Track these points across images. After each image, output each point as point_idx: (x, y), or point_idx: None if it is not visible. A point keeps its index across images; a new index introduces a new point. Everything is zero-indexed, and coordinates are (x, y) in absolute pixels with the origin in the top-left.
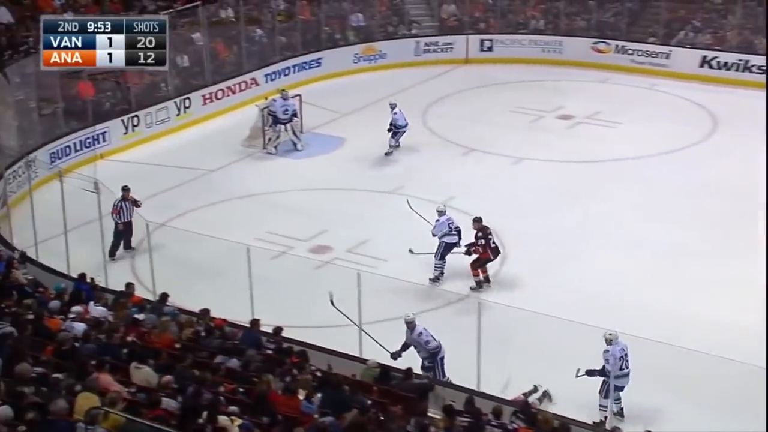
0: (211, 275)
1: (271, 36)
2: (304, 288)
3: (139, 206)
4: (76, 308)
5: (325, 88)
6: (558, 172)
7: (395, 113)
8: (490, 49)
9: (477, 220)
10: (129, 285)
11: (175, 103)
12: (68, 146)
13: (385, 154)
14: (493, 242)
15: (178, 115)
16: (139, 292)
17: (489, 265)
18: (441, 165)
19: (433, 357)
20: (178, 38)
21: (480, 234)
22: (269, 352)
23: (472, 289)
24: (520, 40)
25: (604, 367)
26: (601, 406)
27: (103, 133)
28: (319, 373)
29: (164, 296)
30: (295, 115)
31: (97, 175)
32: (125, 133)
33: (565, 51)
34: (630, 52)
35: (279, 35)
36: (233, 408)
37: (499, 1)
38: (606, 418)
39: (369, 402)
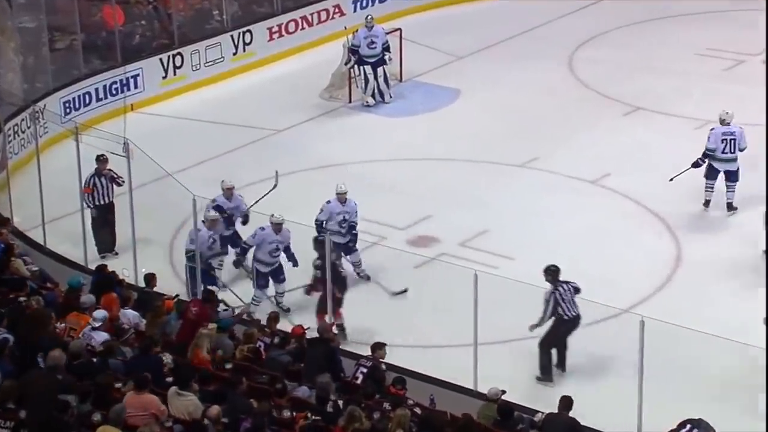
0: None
1: None
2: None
3: (120, 184)
4: (101, 313)
5: (434, 20)
6: (763, 141)
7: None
8: None
9: None
10: (149, 277)
11: (232, 37)
12: (88, 93)
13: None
14: None
15: (235, 54)
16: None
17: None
18: (593, 129)
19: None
20: None
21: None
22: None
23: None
24: None
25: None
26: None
27: (135, 77)
28: (418, 409)
29: (211, 297)
30: (387, 50)
31: (126, 133)
32: (164, 78)
33: None
34: None
35: None
36: None
37: None
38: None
39: None
